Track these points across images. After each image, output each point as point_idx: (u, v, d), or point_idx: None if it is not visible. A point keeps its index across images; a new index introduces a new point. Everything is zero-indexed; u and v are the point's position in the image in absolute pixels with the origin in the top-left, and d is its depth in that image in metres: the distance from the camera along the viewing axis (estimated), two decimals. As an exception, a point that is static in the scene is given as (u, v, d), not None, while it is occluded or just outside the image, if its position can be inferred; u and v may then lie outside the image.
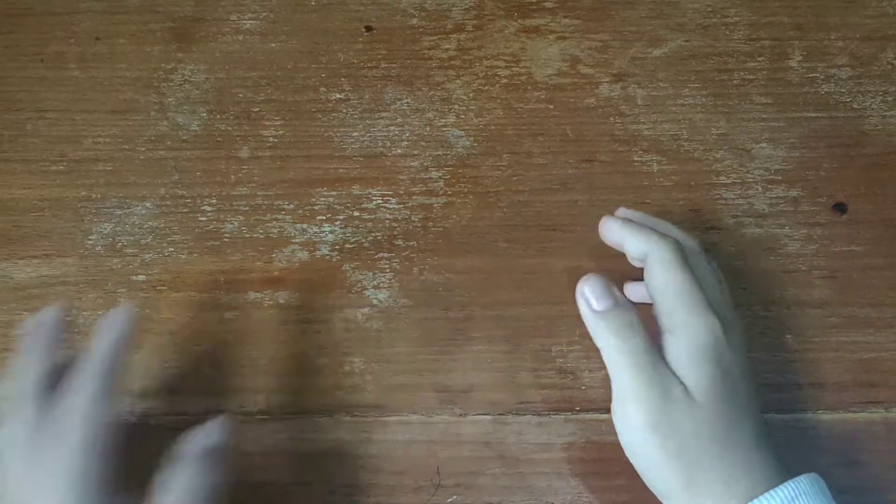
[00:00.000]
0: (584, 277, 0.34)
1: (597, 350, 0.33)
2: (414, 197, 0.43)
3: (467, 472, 0.38)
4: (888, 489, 0.37)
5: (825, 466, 0.37)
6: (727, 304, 0.35)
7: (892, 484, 0.37)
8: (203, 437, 0.33)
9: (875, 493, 0.37)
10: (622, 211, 0.38)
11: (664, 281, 0.33)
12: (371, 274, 0.42)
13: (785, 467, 0.32)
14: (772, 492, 0.30)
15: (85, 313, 0.41)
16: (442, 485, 0.38)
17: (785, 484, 0.31)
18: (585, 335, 0.35)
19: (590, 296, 0.34)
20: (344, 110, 0.46)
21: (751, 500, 0.30)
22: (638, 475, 0.33)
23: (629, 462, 0.33)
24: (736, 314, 0.35)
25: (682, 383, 0.32)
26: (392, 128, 0.45)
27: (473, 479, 0.38)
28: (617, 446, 0.33)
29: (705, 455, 0.31)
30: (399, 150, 0.45)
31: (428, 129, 0.45)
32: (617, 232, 0.36)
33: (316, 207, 0.43)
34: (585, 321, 0.34)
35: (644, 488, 0.33)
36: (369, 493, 0.38)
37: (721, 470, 0.31)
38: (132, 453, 0.39)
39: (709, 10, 0.47)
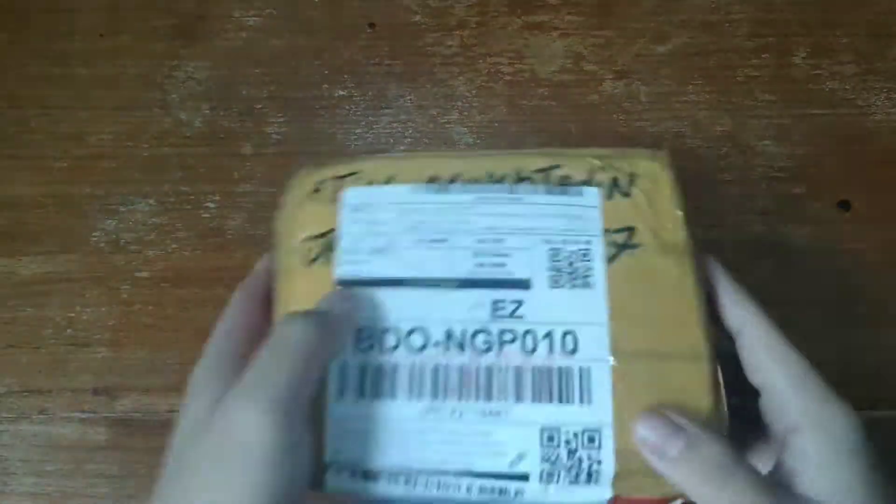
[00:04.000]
0: (639, 416, 0.26)
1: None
2: (417, 194, 0.43)
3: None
4: (891, 487, 0.37)
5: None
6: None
7: (895, 482, 0.37)
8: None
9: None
10: None
11: (773, 367, 0.26)
12: (374, 271, 0.42)
13: None
14: None
15: (88, 310, 0.41)
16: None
17: None
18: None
19: (653, 440, 0.25)
20: (347, 107, 0.46)
21: None
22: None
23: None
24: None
25: None
26: (395, 125, 0.45)
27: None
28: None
29: None
30: (402, 147, 0.45)
31: (431, 125, 0.45)
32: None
33: (319, 204, 0.43)
34: (660, 472, 0.25)
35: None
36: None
37: None
38: (135, 451, 0.39)
39: (713, 6, 0.47)
